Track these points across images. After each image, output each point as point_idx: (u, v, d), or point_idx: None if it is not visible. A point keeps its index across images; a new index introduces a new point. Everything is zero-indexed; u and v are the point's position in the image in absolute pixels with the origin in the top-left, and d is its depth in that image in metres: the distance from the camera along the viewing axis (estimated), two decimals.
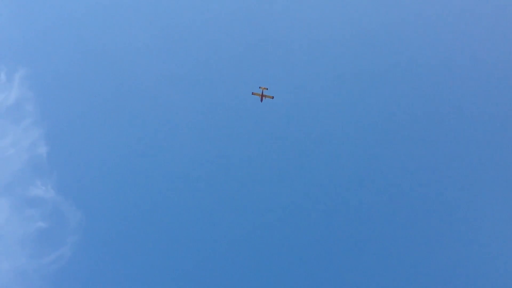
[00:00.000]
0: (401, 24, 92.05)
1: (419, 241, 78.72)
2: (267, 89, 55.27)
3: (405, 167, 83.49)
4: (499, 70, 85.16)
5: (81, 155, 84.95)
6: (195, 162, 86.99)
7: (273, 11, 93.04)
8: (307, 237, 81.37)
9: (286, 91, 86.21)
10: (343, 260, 79.04)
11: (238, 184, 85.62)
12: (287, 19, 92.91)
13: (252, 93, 56.47)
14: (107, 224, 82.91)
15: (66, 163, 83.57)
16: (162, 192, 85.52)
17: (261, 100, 56.46)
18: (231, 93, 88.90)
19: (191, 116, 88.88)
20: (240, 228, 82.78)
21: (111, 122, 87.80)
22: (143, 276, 79.78)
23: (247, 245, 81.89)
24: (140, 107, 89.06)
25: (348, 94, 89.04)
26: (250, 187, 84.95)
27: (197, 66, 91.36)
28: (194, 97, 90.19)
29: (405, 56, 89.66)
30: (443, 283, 75.12)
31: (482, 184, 79.46)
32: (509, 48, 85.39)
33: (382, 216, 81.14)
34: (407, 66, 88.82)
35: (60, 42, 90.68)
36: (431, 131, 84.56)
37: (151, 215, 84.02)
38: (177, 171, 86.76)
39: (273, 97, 56.23)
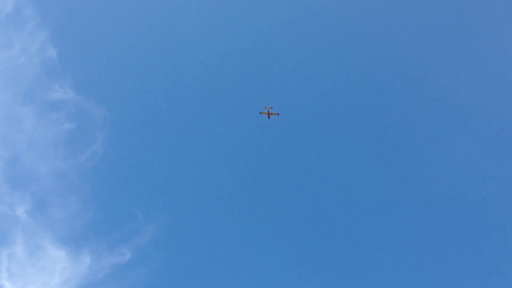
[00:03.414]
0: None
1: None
2: (271, 108, 61.73)
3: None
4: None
5: (93, 51, 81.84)
6: None
7: None
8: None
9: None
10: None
11: None
12: None
13: (260, 113, 62.55)
14: (133, 115, 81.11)
15: (78, 61, 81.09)
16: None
17: (269, 117, 62.66)
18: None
19: None
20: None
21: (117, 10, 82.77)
22: (172, 158, 78.70)
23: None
24: None
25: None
26: None
27: None
28: None
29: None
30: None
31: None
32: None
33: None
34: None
35: None
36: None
37: (172, 98, 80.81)
38: None
39: (278, 114, 62.68)
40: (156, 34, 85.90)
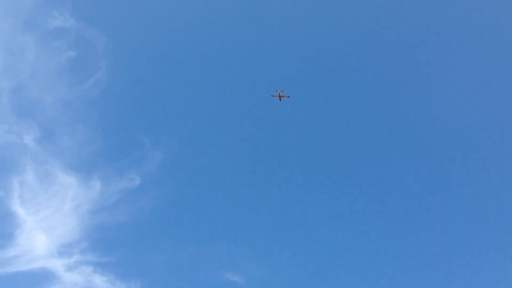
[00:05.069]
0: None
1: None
2: (282, 91, 64.03)
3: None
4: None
5: None
6: None
7: None
8: None
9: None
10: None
11: None
12: None
13: (272, 95, 64.77)
14: (135, 42, 79.45)
15: None
16: None
17: (280, 100, 64.83)
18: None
19: None
20: None
21: None
22: (177, 84, 77.75)
23: None
24: None
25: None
26: None
27: None
28: None
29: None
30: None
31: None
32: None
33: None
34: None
35: None
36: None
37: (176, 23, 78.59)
38: None
39: (289, 96, 64.74)
40: None
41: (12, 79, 74.98)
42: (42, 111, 74.95)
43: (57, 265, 66.87)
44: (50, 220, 69.56)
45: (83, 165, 73.46)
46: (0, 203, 68.77)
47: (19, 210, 69.09)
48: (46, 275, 65.77)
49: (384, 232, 71.77)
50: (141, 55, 79.77)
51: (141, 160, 73.91)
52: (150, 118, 78.36)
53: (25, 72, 75.45)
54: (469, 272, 67.15)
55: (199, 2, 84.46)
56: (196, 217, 73.34)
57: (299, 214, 73.82)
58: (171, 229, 72.70)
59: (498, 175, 72.73)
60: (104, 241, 69.13)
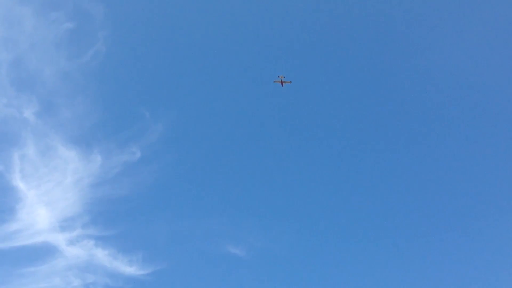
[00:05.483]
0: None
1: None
2: (284, 77, 63.67)
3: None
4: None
5: None
6: None
7: None
8: None
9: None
10: None
11: None
12: None
13: (274, 81, 64.44)
14: (134, 12, 77.62)
15: None
16: None
17: (282, 85, 64.40)
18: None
19: None
20: None
21: None
22: (176, 54, 75.78)
23: None
24: None
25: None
26: None
27: None
28: None
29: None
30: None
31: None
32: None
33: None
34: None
35: None
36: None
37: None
38: None
39: (291, 82, 64.47)
40: None
41: (10, 52, 73.76)
42: (41, 83, 73.77)
43: (59, 239, 66.29)
44: (51, 194, 68.79)
45: (84, 138, 72.40)
46: (1, 178, 67.91)
47: (20, 184, 68.17)
48: (48, 249, 65.35)
49: (385, 202, 71.00)
50: (140, 25, 78.19)
51: (141, 133, 72.68)
52: (150, 89, 77.10)
53: (23, 43, 74.16)
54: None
55: None
56: (197, 190, 72.55)
57: (301, 186, 73.32)
58: (172, 202, 72.17)
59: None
60: (105, 214, 68.40)
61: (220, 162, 73.59)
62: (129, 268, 65.23)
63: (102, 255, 65.68)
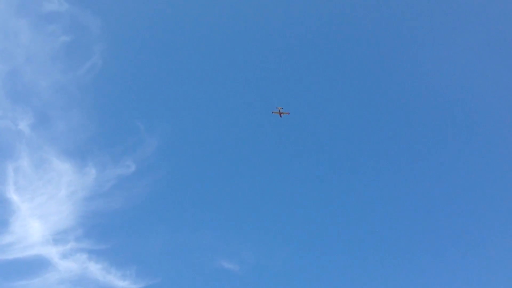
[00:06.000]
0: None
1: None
2: (282, 108, 63.91)
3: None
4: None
5: None
6: None
7: None
8: None
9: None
10: None
11: None
12: None
13: (272, 112, 64.54)
14: (130, 26, 77.89)
15: None
16: None
17: (280, 116, 64.61)
18: None
19: None
20: None
21: None
22: (171, 68, 76.06)
23: None
24: None
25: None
26: None
27: None
28: None
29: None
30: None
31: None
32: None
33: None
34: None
35: None
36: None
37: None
38: None
39: (289, 113, 64.61)
40: None
41: (6, 64, 73.79)
42: (37, 96, 73.79)
43: (52, 252, 66.26)
44: (44, 207, 68.70)
45: (78, 151, 72.46)
46: None
47: (13, 197, 68.08)
48: (41, 263, 65.29)
49: (379, 220, 71.43)
50: (136, 39, 78.38)
51: (136, 146, 72.88)
52: (145, 103, 77.31)
53: (19, 56, 74.19)
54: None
55: None
56: (191, 204, 72.61)
57: (294, 202, 74.04)
58: (166, 216, 72.31)
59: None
60: (99, 228, 68.51)
61: (215, 177, 73.94)
62: (122, 282, 65.33)
63: (95, 269, 65.73)
